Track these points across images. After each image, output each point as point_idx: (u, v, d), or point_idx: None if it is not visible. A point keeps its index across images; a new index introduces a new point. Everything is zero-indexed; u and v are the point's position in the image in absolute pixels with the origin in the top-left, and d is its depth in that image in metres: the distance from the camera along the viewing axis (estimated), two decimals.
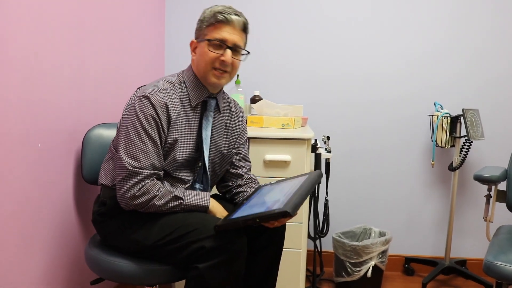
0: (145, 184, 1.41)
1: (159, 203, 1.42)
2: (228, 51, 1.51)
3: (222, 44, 1.51)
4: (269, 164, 2.12)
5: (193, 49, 1.59)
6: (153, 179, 1.43)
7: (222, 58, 1.51)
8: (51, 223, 1.62)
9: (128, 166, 1.40)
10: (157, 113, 1.44)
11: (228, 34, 1.51)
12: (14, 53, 1.35)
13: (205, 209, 1.49)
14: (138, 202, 1.41)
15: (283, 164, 2.12)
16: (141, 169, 1.41)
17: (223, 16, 1.49)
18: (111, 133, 1.80)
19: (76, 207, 1.80)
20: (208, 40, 1.51)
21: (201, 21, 1.55)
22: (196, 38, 1.58)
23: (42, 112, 1.51)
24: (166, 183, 1.49)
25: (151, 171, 1.43)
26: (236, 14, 1.52)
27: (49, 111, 1.56)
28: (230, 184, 1.73)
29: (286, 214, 1.22)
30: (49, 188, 1.59)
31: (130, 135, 1.43)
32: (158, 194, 1.42)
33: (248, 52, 1.60)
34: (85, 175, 1.76)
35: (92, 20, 1.85)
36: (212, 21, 1.51)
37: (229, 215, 1.40)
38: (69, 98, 1.69)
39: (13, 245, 1.40)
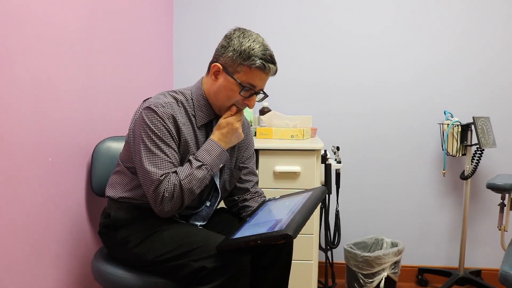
0: (167, 184, 1.40)
1: (190, 184, 1.41)
2: (254, 97, 1.52)
3: (252, 89, 1.49)
4: (279, 175, 2.11)
5: (215, 73, 1.51)
6: (169, 178, 1.41)
7: (247, 102, 1.51)
8: (62, 235, 1.62)
9: (158, 176, 1.39)
10: (166, 124, 1.43)
11: (261, 81, 1.49)
12: (25, 68, 1.36)
13: (224, 151, 1.51)
14: (174, 200, 1.40)
15: (293, 175, 2.11)
16: (166, 173, 1.41)
17: (262, 64, 1.45)
18: (120, 146, 1.81)
19: (87, 219, 1.80)
20: (240, 83, 1.47)
21: (234, 50, 1.46)
22: (222, 64, 1.49)
23: (52, 126, 1.52)
24: (178, 168, 1.46)
25: (175, 169, 1.43)
26: (273, 62, 1.49)
27: (59, 125, 1.57)
28: (236, 198, 1.71)
29: (287, 237, 1.20)
30: (60, 200, 1.59)
31: (149, 147, 1.42)
32: (181, 177, 1.41)
33: (267, 95, 1.59)
34: (95, 187, 1.77)
35: (101, 34, 1.87)
36: (249, 63, 1.45)
37: (231, 234, 1.39)
38: (79, 112, 1.70)
39: (24, 257, 1.40)
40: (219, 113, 1.56)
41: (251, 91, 1.50)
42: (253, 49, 1.45)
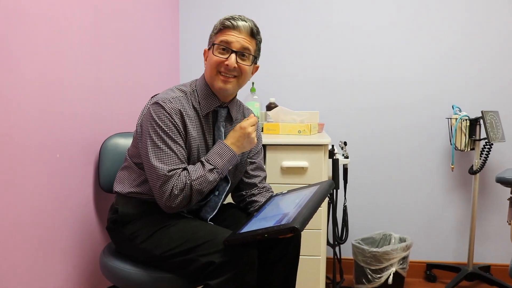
0: (177, 181, 1.42)
1: (200, 186, 1.44)
2: (233, 55, 1.50)
3: (227, 48, 1.50)
4: (286, 171, 2.11)
5: (206, 58, 1.59)
6: (179, 175, 1.43)
7: (226, 62, 1.50)
8: (70, 231, 1.63)
9: (165, 172, 1.40)
10: (173, 119, 1.45)
11: (233, 37, 1.50)
12: (32, 65, 1.36)
13: (235, 155, 1.53)
14: (181, 198, 1.41)
15: (301, 170, 2.10)
16: (174, 170, 1.42)
17: (230, 22, 1.49)
18: (127, 142, 1.82)
19: (95, 215, 1.81)
20: (214, 44, 1.52)
21: (212, 30, 1.57)
22: (207, 46, 1.59)
23: (59, 123, 1.53)
24: (188, 167, 1.48)
25: (183, 166, 1.45)
26: (243, 20, 1.52)
27: (67, 121, 1.57)
28: (244, 193, 1.72)
29: (294, 230, 1.20)
30: (68, 196, 1.60)
31: (157, 143, 1.43)
32: (193, 178, 1.43)
33: (256, 57, 1.58)
34: (102, 183, 1.77)
35: (108, 31, 1.87)
36: (220, 27, 1.52)
37: (238, 229, 1.39)
38: (86, 109, 1.71)
39: (33, 253, 1.41)
40: (221, 97, 1.57)
41: (229, 51, 1.50)
42: (221, 18, 1.53)
